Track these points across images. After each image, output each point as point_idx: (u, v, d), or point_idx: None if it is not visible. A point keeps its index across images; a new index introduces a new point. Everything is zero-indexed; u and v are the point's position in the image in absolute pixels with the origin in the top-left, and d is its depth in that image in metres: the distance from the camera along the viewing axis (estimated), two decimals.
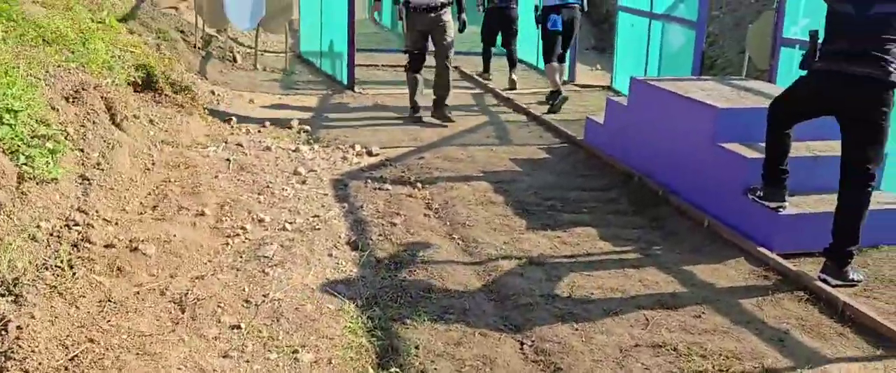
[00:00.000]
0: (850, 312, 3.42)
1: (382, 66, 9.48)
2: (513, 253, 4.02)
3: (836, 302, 3.49)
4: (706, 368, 2.98)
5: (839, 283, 3.66)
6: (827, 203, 3.92)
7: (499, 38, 8.73)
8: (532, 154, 5.93)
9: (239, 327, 3.09)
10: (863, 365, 3.06)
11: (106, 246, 3.55)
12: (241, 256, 3.75)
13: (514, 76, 8.39)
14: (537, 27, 7.62)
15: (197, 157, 5.13)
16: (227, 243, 3.88)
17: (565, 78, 8.42)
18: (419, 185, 5.02)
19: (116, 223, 3.83)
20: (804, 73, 3.86)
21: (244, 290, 3.41)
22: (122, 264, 3.41)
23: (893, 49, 3.49)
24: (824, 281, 3.67)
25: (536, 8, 7.64)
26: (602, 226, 4.45)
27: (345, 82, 8.01)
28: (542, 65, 9.40)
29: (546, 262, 3.92)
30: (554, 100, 7.29)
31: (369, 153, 5.68)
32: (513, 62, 8.51)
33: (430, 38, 6.68)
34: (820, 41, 3.72)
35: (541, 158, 5.83)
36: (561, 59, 7.49)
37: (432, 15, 6.53)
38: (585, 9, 7.58)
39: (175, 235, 3.77)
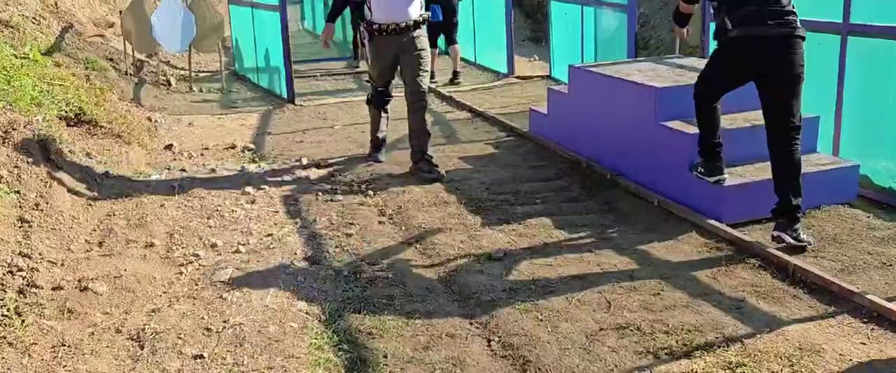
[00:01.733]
0: (800, 273, 3.53)
1: (321, 75, 9.39)
2: (471, 251, 4.03)
3: (787, 266, 3.60)
4: (670, 344, 3.04)
5: (794, 238, 3.72)
6: (768, 170, 4.03)
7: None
8: (480, 150, 5.96)
9: (202, 357, 3.02)
10: (818, 323, 3.16)
11: (54, 288, 3.43)
12: (197, 284, 3.67)
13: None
14: None
15: (140, 187, 5.00)
16: (181, 272, 3.79)
17: (503, 70, 8.60)
18: (371, 192, 5.00)
19: (62, 264, 3.71)
20: (717, 46, 3.97)
21: (203, 318, 3.34)
22: (72, 306, 3.31)
23: (791, 5, 3.71)
24: (779, 239, 3.74)
25: None
26: (556, 214, 4.50)
27: (285, 96, 7.91)
28: (479, 60, 9.61)
29: (505, 256, 3.94)
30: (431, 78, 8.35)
31: (317, 165, 5.63)
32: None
33: (398, 68, 5.33)
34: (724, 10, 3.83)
35: (489, 154, 5.86)
36: (452, 42, 8.40)
37: (404, 38, 5.17)
38: None
39: (125, 270, 3.67)
